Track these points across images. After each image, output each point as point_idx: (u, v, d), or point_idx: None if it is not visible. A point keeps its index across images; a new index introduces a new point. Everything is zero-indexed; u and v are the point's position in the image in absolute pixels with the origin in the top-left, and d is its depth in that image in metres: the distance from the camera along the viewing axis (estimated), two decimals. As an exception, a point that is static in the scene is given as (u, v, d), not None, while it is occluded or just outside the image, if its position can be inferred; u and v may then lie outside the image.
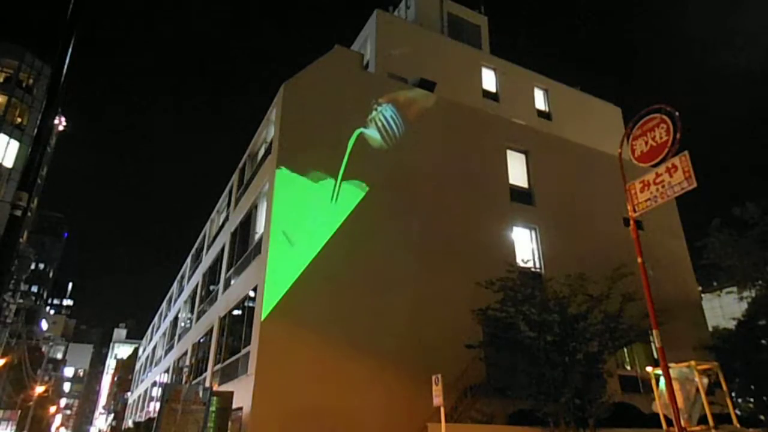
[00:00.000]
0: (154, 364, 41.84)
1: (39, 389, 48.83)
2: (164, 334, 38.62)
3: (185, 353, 26.77)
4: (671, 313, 12.98)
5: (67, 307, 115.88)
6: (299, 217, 15.69)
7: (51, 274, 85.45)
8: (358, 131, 17.85)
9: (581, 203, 20.99)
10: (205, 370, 20.66)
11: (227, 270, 20.95)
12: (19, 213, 4.23)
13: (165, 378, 33.10)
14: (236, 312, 18.44)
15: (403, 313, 15.63)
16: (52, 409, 65.39)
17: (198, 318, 25.55)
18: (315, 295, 14.79)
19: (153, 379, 39.34)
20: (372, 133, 17.88)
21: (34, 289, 74.94)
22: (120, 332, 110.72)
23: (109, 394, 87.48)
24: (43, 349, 57.52)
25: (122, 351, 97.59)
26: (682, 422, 8.68)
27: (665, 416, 10.37)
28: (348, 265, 15.61)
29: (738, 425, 11.16)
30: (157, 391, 35.24)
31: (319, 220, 15.78)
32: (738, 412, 14.17)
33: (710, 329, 23.01)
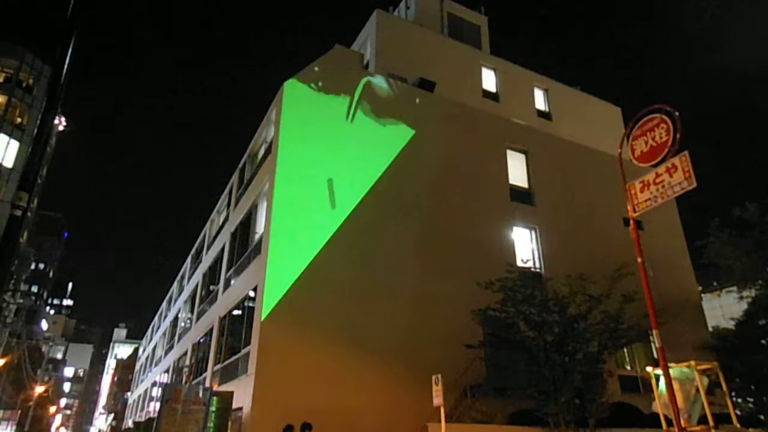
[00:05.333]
0: (154, 364, 41.84)
1: (39, 389, 48.85)
2: (164, 334, 38.62)
3: (185, 353, 26.77)
4: (671, 313, 13.00)
5: (67, 307, 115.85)
6: (299, 217, 15.69)
7: (51, 274, 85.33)
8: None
9: (581, 203, 20.98)
10: (205, 370, 20.66)
11: (227, 270, 20.95)
12: (19, 213, 4.23)
13: (165, 378, 33.09)
14: (236, 312, 18.44)
15: (403, 312, 15.63)
16: (52, 409, 65.38)
17: (198, 318, 25.55)
18: (315, 295, 14.79)
19: (153, 379, 39.34)
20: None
21: (34, 289, 74.84)
22: (120, 332, 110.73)
23: (109, 394, 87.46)
24: (43, 349, 57.51)
25: (122, 351, 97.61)
26: (682, 422, 8.69)
27: (665, 416, 10.37)
28: (348, 265, 15.61)
29: (738, 425, 11.17)
30: (157, 391, 35.24)
31: (319, 220, 15.78)
32: (738, 412, 14.17)
33: (710, 329, 23.01)
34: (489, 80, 24.56)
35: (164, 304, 43.11)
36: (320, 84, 17.67)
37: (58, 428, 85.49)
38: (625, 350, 18.63)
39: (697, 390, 10.10)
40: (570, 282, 14.06)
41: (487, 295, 14.53)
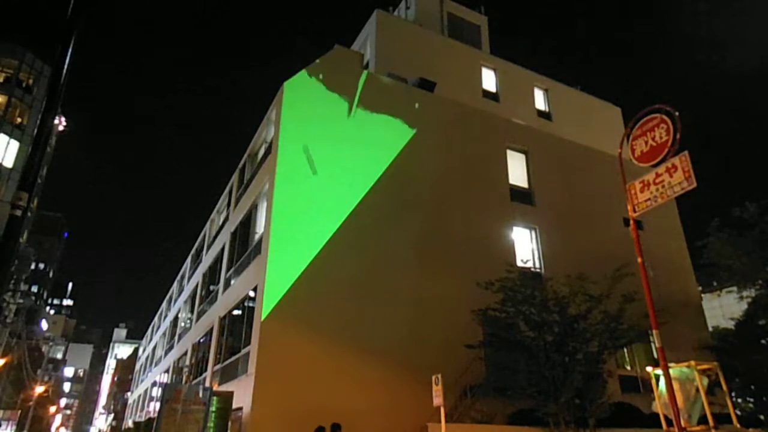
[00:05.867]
0: (154, 364, 41.84)
1: (39, 389, 48.83)
2: (164, 334, 38.62)
3: (185, 353, 26.77)
4: (671, 313, 12.99)
5: (67, 307, 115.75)
6: (299, 217, 15.69)
7: (51, 274, 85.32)
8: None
9: (581, 203, 20.98)
10: (205, 370, 20.67)
11: (227, 270, 20.95)
12: (19, 213, 4.22)
13: (165, 378, 33.09)
14: (236, 312, 18.45)
15: (402, 312, 15.63)
16: (52, 409, 65.35)
17: (198, 318, 25.55)
18: (315, 295, 14.79)
19: (153, 379, 39.34)
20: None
21: (34, 289, 74.79)
22: (120, 332, 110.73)
23: (109, 394, 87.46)
24: (43, 349, 57.47)
25: (122, 351, 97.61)
26: (682, 422, 8.69)
27: (665, 416, 10.38)
28: (348, 265, 15.61)
29: (738, 425, 11.17)
30: (157, 391, 35.25)
31: (319, 220, 15.78)
32: (738, 412, 14.17)
33: (710, 329, 23.01)
34: (489, 80, 24.56)
35: (164, 304, 43.11)
36: (320, 84, 17.67)
37: (58, 428, 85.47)
38: (625, 350, 18.62)
39: (697, 390, 10.10)
40: (570, 282, 14.06)
41: (487, 295, 14.53)
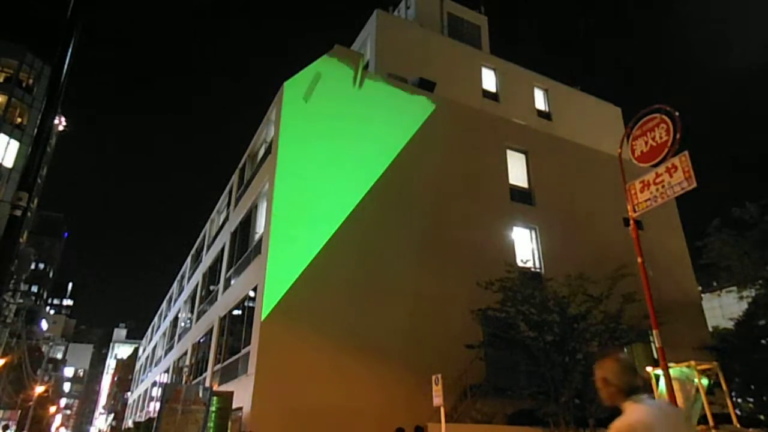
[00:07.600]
0: (154, 364, 41.85)
1: (39, 389, 48.79)
2: (164, 334, 38.63)
3: (185, 353, 26.78)
4: (671, 313, 12.99)
5: (67, 307, 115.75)
6: (299, 217, 15.69)
7: (51, 274, 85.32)
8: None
9: (581, 203, 20.98)
10: (205, 370, 20.67)
11: (227, 270, 20.95)
12: (19, 213, 4.22)
13: (165, 378, 33.10)
14: (236, 312, 18.45)
15: (403, 313, 15.63)
16: (52, 409, 65.30)
17: (198, 318, 25.55)
18: (315, 295, 14.79)
19: (153, 379, 39.35)
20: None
21: (34, 289, 74.78)
22: (120, 332, 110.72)
23: (109, 394, 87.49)
24: (43, 349, 57.43)
25: (122, 351, 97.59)
26: (682, 422, 8.66)
27: (665, 416, 10.34)
28: (348, 265, 15.61)
29: (738, 425, 11.16)
30: (157, 391, 35.24)
31: (319, 220, 15.79)
32: (738, 412, 14.17)
33: (710, 329, 23.01)
34: (489, 80, 24.57)
35: (164, 304, 43.12)
36: (320, 84, 17.66)
37: (58, 428, 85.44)
38: (625, 350, 18.59)
39: (697, 390, 10.10)
40: (570, 282, 14.06)
41: (487, 295, 14.53)
